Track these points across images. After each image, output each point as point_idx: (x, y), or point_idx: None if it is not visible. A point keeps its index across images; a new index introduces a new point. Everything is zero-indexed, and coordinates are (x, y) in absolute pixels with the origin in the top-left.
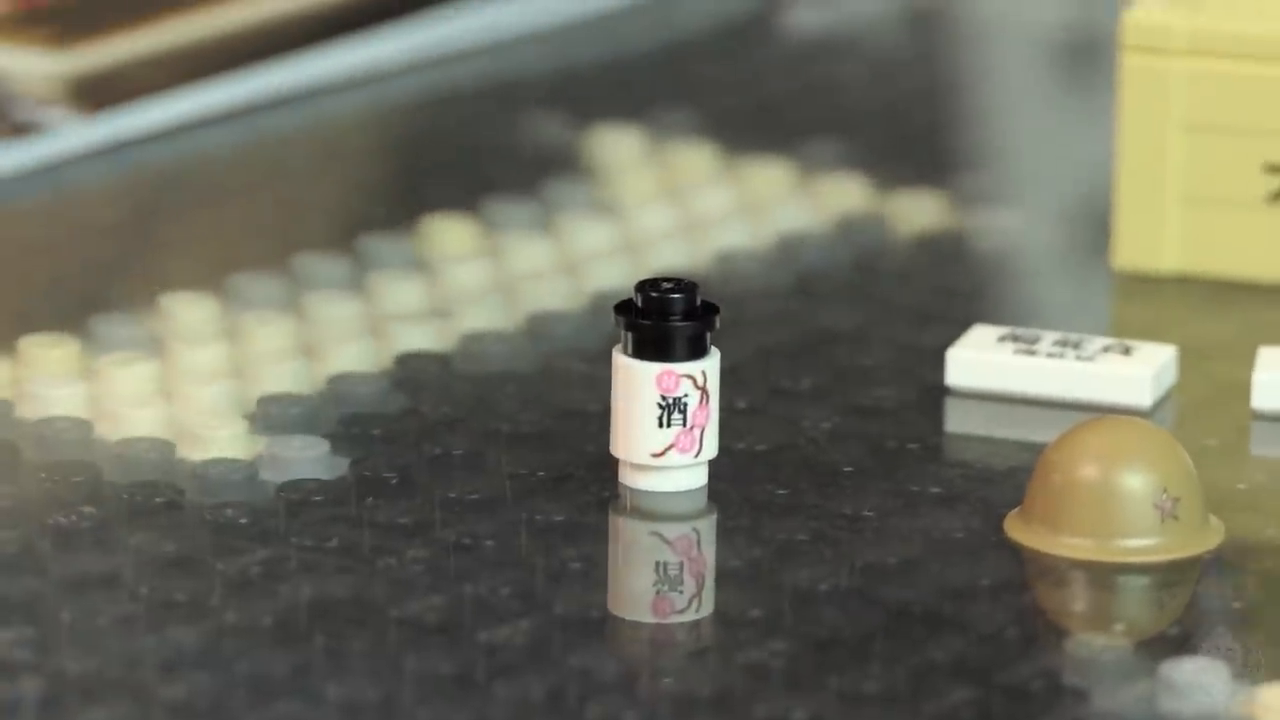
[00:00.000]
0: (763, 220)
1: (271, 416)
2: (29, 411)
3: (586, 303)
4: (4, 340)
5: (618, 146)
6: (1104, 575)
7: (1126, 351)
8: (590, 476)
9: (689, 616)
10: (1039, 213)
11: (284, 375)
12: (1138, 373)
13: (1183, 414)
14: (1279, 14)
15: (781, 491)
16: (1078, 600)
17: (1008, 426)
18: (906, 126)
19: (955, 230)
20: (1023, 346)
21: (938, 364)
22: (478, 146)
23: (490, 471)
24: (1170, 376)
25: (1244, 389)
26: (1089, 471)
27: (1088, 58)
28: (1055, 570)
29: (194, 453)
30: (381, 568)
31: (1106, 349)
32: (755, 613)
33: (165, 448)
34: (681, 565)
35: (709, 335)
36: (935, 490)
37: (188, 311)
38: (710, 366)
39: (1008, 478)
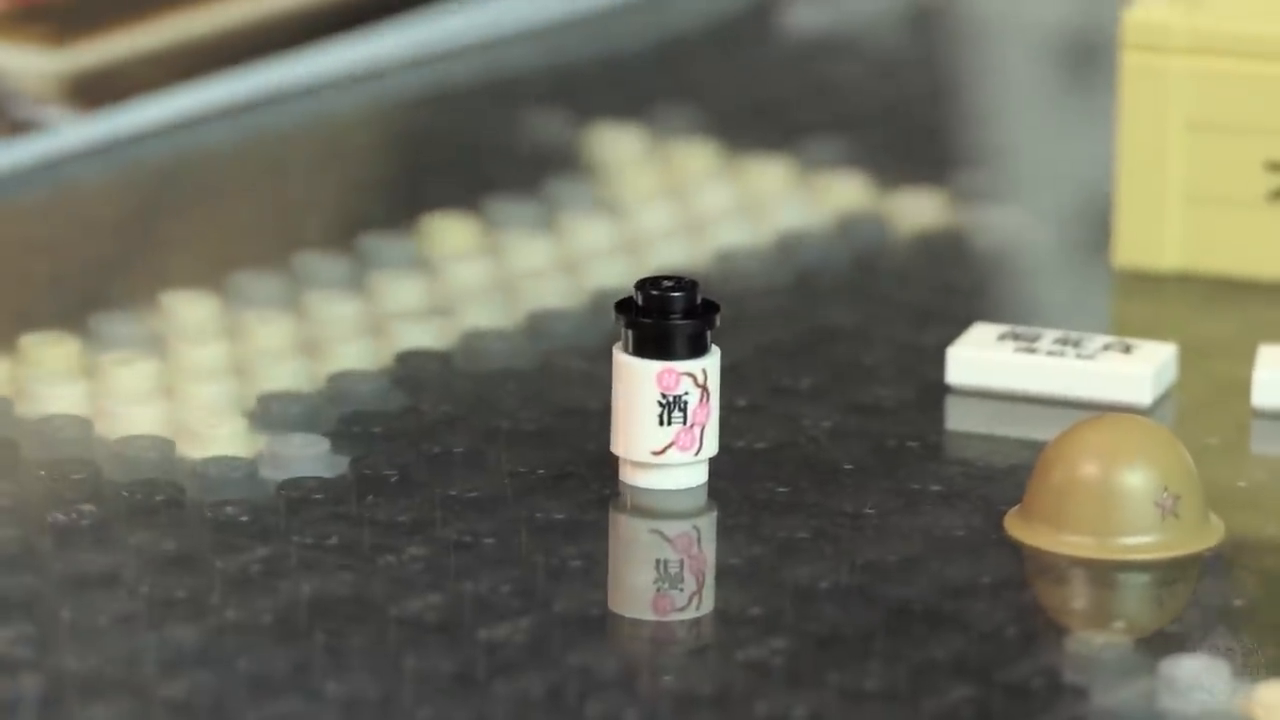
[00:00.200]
0: (763, 218)
1: (272, 414)
2: (29, 409)
3: (587, 301)
4: (4, 338)
5: (618, 145)
6: (1104, 573)
7: (1127, 349)
8: (590, 474)
9: (689, 614)
10: (1039, 211)
11: (284, 373)
12: (1138, 371)
13: (1183, 412)
14: (1279, 12)
15: (782, 489)
16: (1078, 598)
17: (1008, 424)
18: (907, 125)
19: (956, 228)
20: (1023, 345)
21: (938, 362)
22: (478, 144)
23: (490, 469)
24: (1170, 374)
25: (1244, 387)
26: (1089, 469)
27: (1088, 56)
28: (1055, 568)
29: (194, 451)
30: (382, 566)
31: (1107, 347)
32: (756, 610)
33: (165, 446)
34: (682, 563)
35: (709, 333)
36: (936, 488)
37: (188, 309)
38: (710, 365)
39: (1008, 475)
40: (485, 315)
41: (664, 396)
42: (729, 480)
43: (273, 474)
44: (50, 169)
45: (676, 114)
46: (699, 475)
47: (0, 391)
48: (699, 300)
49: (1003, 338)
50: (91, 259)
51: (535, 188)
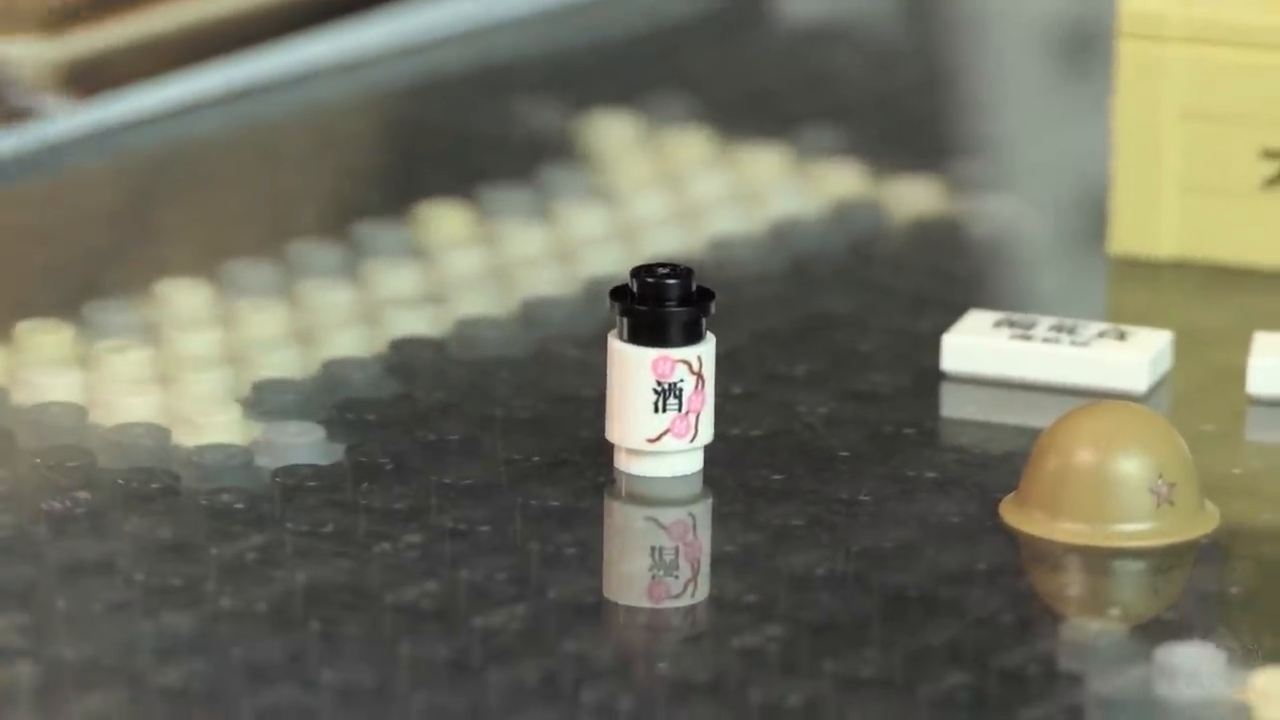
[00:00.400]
0: (758, 206)
1: (266, 402)
2: (24, 398)
3: (581, 289)
4: None
5: (612, 132)
6: (1099, 560)
7: (1122, 337)
8: (585, 462)
9: (684, 601)
10: (1035, 199)
11: (279, 361)
12: (1133, 358)
13: (1178, 399)
14: (1275, 0)
15: (777, 476)
16: (1073, 585)
17: (1004, 411)
18: (902, 112)
19: (951, 216)
20: (1018, 332)
21: (933, 349)
22: (472, 132)
23: (485, 457)
24: (1166, 362)
25: (1240, 374)
26: (1085, 456)
27: (1084, 44)
28: (1051, 555)
29: (189, 438)
30: (377, 553)
31: (1102, 334)
32: (751, 597)
33: (160, 433)
34: (677, 550)
35: (704, 321)
36: (931, 475)
37: (182, 297)
38: (706, 352)
39: (1003, 463)
40: (479, 303)
41: (659, 384)
42: (724, 467)
43: (268, 462)
44: (44, 157)
45: (671, 102)
46: (694, 462)
47: None
48: (694, 287)
49: (998, 325)
50: (86, 247)
51: (529, 175)
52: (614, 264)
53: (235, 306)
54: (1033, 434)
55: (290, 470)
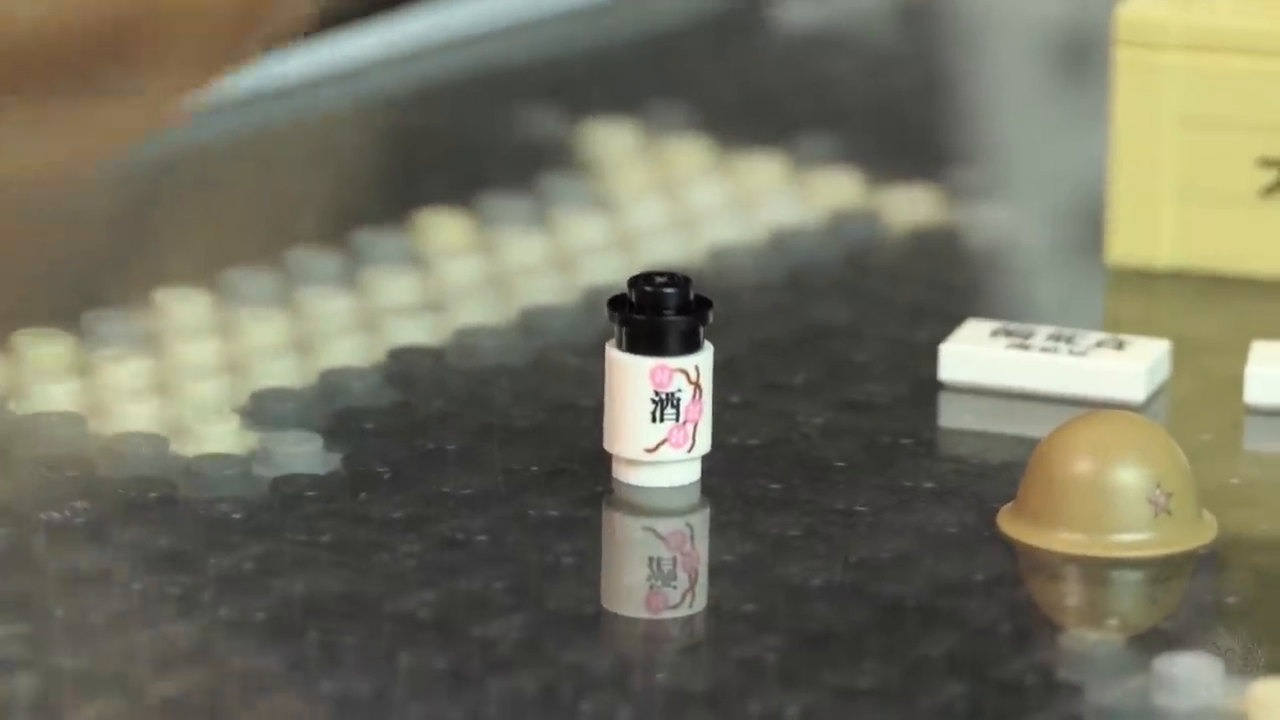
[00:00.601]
0: (756, 215)
1: (265, 411)
2: (22, 406)
3: (580, 297)
4: None
5: (611, 141)
6: (1097, 570)
7: (1120, 346)
8: (584, 471)
9: (682, 611)
10: (1032, 207)
11: (277, 370)
12: (1131, 367)
13: (1176, 409)
14: (1272, 8)
15: (775, 486)
16: (1071, 595)
17: (1001, 421)
18: (900, 121)
19: (949, 225)
20: (1016, 341)
21: (931, 359)
22: (470, 140)
23: (483, 466)
24: (1164, 371)
25: (1237, 384)
26: (1082, 466)
27: (1081, 52)
28: (1048, 565)
29: (187, 448)
30: (375, 563)
31: (1100, 344)
32: (749, 607)
33: (159, 443)
34: (675, 560)
35: (702, 330)
36: (929, 485)
37: (181, 306)
38: (703, 361)
39: (1001, 473)
40: (478, 311)
41: (657, 393)
42: (722, 477)
43: (266, 471)
44: None
45: (669, 110)
46: (692, 472)
47: None
48: (692, 296)
49: (996, 334)
50: (85, 255)
51: (528, 184)
52: (613, 272)
53: (233, 315)
54: (1030, 444)
55: (289, 479)
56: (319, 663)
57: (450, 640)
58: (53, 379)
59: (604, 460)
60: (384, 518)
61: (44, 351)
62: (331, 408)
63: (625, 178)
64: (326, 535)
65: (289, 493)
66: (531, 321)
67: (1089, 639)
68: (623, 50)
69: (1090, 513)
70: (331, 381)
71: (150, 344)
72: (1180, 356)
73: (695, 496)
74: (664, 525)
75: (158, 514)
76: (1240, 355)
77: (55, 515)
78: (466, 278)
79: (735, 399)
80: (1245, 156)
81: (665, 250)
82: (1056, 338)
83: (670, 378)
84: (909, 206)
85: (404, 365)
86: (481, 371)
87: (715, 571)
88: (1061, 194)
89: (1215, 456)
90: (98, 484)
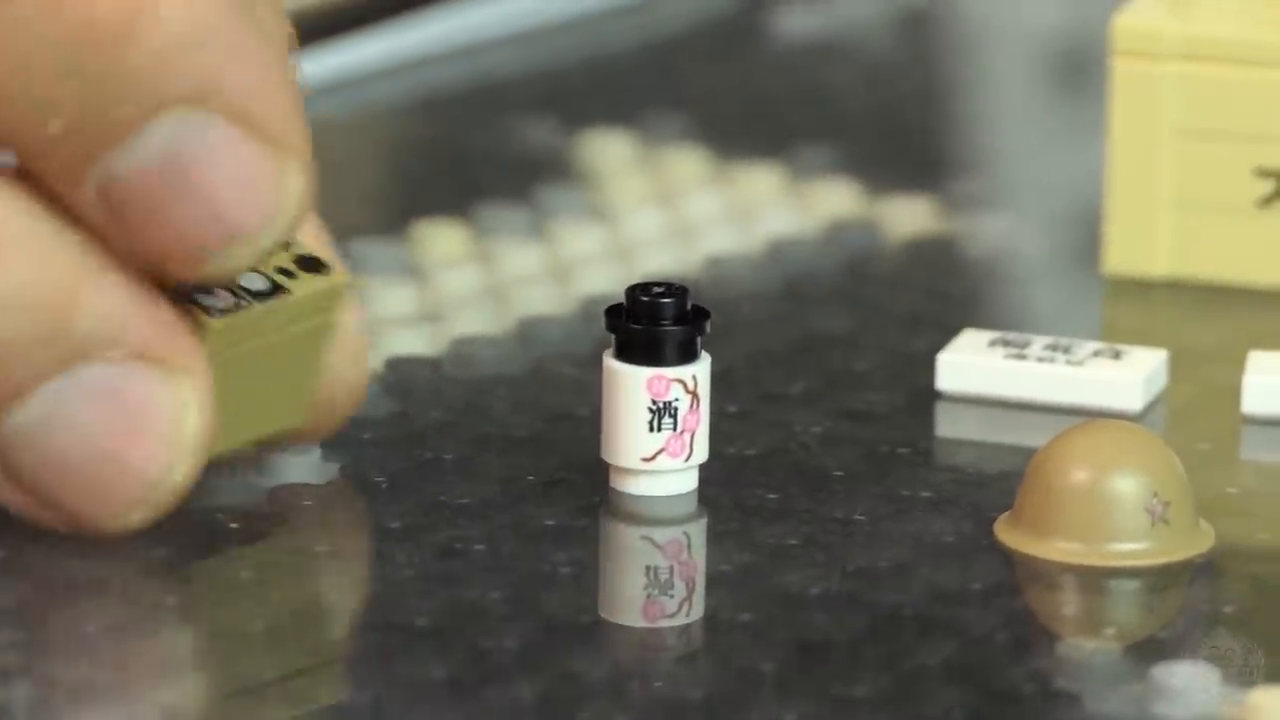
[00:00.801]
0: (753, 225)
1: None
2: None
3: (577, 307)
4: None
5: (608, 151)
6: (1095, 579)
7: (1117, 356)
8: (581, 481)
9: (679, 621)
10: (1030, 217)
11: None
12: (1128, 377)
13: (1173, 418)
14: (1270, 18)
15: (772, 496)
16: (1068, 604)
17: (998, 431)
18: (898, 131)
19: (946, 235)
20: (1013, 351)
21: (928, 369)
22: (467, 150)
23: (481, 476)
24: (1161, 381)
25: (1234, 393)
26: (1080, 476)
27: (1079, 62)
28: (1046, 574)
29: None
30: (372, 572)
31: (1097, 353)
32: (746, 617)
33: None
34: (672, 569)
35: (700, 340)
36: (926, 494)
37: None
38: (701, 371)
39: (998, 482)
40: (475, 321)
41: (654, 403)
42: (719, 487)
43: (263, 480)
44: None
45: (667, 120)
46: (689, 482)
47: None
48: (689, 306)
49: (993, 344)
50: None
51: (525, 194)
52: (610, 282)
53: None
54: (1028, 453)
55: (285, 488)
56: (316, 672)
57: (448, 649)
58: None
59: (601, 470)
60: (381, 527)
61: None
62: None
63: (623, 188)
64: (323, 545)
65: (285, 502)
66: (529, 331)
67: (1086, 648)
68: (620, 60)
69: (1087, 522)
70: None
71: None
72: (1177, 366)
73: (693, 506)
74: (661, 534)
75: (154, 522)
76: (1238, 365)
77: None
78: (464, 288)
79: (733, 408)
80: (1242, 166)
81: (663, 260)
82: (1054, 347)
83: (668, 387)
84: (907, 216)
85: (401, 375)
86: (479, 381)
87: (713, 580)
88: (1059, 204)
89: (1212, 466)
90: None
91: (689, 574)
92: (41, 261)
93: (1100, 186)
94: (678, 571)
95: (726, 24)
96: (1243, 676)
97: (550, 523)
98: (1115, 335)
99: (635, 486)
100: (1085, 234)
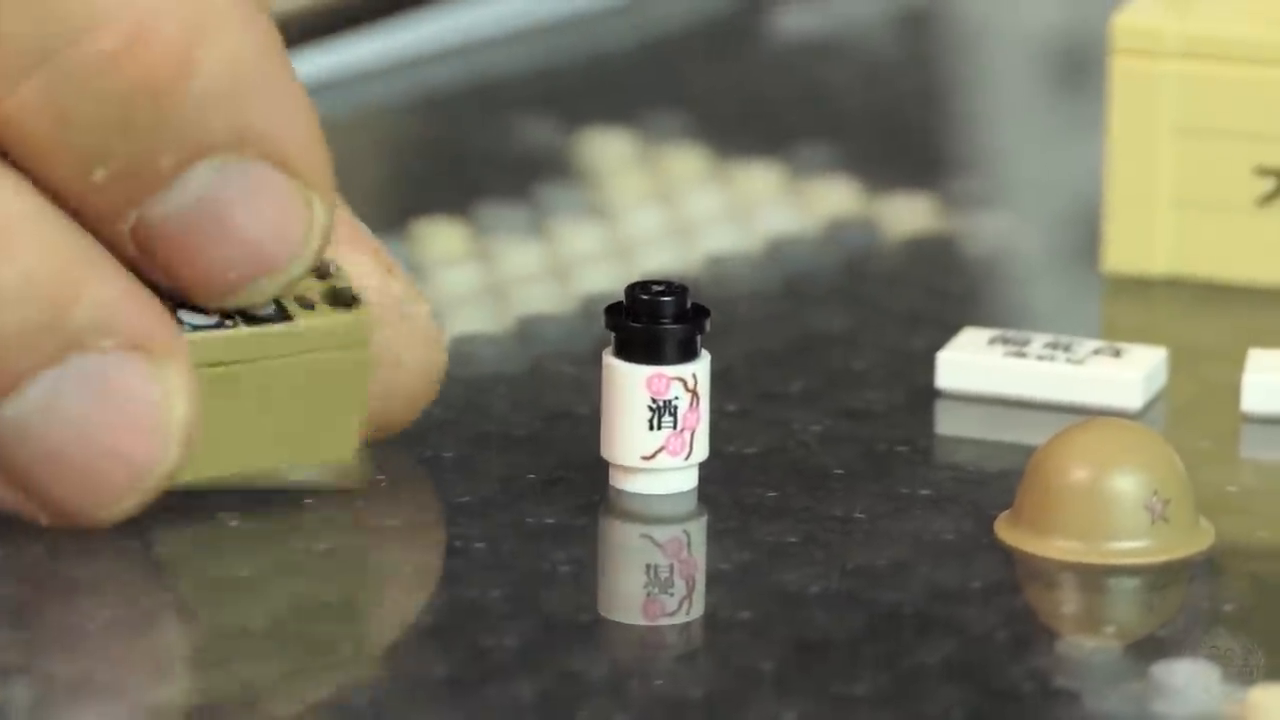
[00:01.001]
0: (753, 223)
1: None
2: None
3: (577, 306)
4: None
5: (607, 149)
6: (1094, 577)
7: (1117, 354)
8: (581, 479)
9: (679, 619)
10: (1029, 216)
11: None
12: (1128, 375)
13: (1173, 416)
14: (1270, 16)
15: (772, 494)
16: (1068, 602)
17: (998, 429)
18: (897, 129)
19: (946, 233)
20: (1013, 349)
21: (928, 367)
22: (467, 149)
23: (480, 474)
24: (1160, 379)
25: (1234, 391)
26: (1079, 474)
27: (1078, 60)
28: (1046, 572)
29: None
30: (371, 570)
31: (1097, 351)
32: (745, 615)
33: None
34: (672, 568)
35: (699, 338)
36: (925, 493)
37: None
38: (701, 369)
39: (998, 480)
40: (475, 320)
41: (654, 401)
42: (719, 485)
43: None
44: None
45: (666, 118)
46: (689, 480)
47: None
48: (689, 305)
49: (993, 342)
50: None
51: (525, 192)
52: (609, 281)
53: None
54: (1027, 451)
55: (285, 487)
56: (315, 671)
57: (448, 648)
58: None
59: (601, 468)
60: (380, 525)
61: None
62: None
63: (622, 186)
64: (322, 543)
65: (286, 500)
66: (528, 330)
67: (1086, 646)
68: (619, 59)
69: (1087, 520)
70: None
71: None
72: (1177, 364)
73: (692, 504)
74: (661, 533)
75: (155, 521)
76: (1237, 363)
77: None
78: (463, 286)
79: (732, 407)
80: (1242, 165)
81: (662, 259)
82: (1053, 345)
83: (667, 386)
84: (906, 215)
85: None
86: (479, 380)
87: (712, 579)
88: (1059, 202)
89: (1212, 464)
90: None
91: (689, 572)
92: (46, 251)
93: (1100, 185)
94: (677, 570)
95: (726, 23)
96: (1243, 675)
97: (550, 521)
98: (1115, 333)
99: (635, 485)
100: (1085, 232)
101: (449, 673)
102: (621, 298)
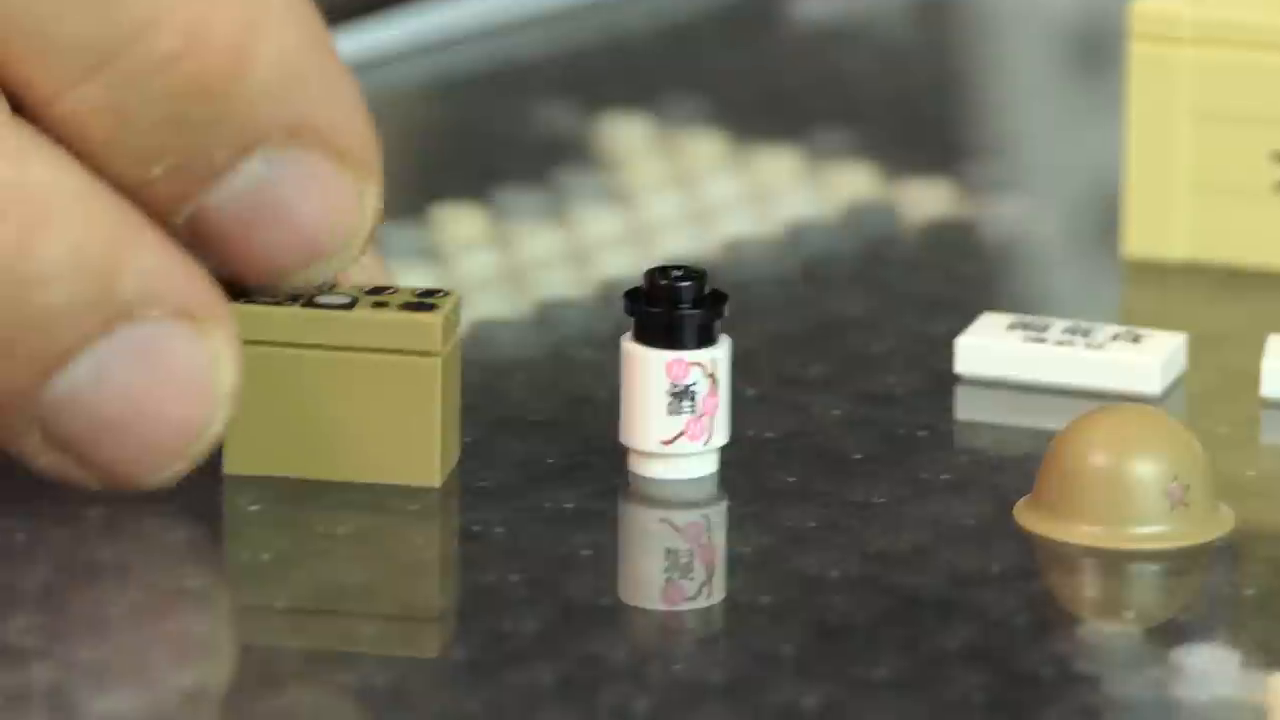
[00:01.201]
0: (772, 208)
1: None
2: None
3: (596, 290)
4: None
5: (627, 134)
6: (1114, 562)
7: (1136, 339)
8: (600, 464)
9: (699, 604)
10: (1048, 201)
11: None
12: (1147, 360)
13: (1193, 402)
14: None
15: (791, 479)
16: (1088, 587)
17: (1018, 414)
18: (916, 114)
19: (965, 218)
20: (1032, 334)
21: (947, 352)
22: (486, 134)
23: (500, 459)
24: (1180, 364)
25: (1254, 377)
26: (1099, 459)
27: (1097, 46)
28: (1066, 557)
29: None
30: (391, 554)
31: (1116, 337)
32: (766, 599)
33: None
34: (692, 552)
35: (718, 323)
36: (946, 477)
37: None
38: (720, 354)
39: (1018, 465)
40: (494, 304)
41: (673, 386)
42: (739, 470)
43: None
44: None
45: (685, 103)
46: (708, 465)
47: None
48: (708, 290)
49: (1012, 327)
50: None
51: (543, 177)
52: (628, 266)
53: None
54: (1047, 436)
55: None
56: (336, 655)
57: (467, 632)
58: None
59: (620, 453)
60: (400, 510)
61: None
62: None
63: (641, 171)
64: (342, 527)
65: (306, 484)
66: (548, 314)
67: (1106, 631)
68: (638, 43)
69: (1107, 505)
70: None
71: None
72: (1196, 349)
73: (712, 489)
74: (681, 517)
75: (174, 505)
76: (1257, 348)
77: (72, 507)
78: (482, 271)
79: (751, 392)
80: (1260, 150)
81: (681, 243)
82: (1073, 331)
83: (687, 370)
84: (925, 199)
85: None
86: (497, 364)
87: (732, 563)
88: (1077, 187)
89: (1232, 449)
90: None
91: (708, 557)
92: (92, 225)
93: (1118, 170)
94: (697, 554)
95: (745, 7)
96: (1265, 659)
97: (569, 506)
98: (1134, 318)
99: (654, 470)
100: (1104, 217)
101: (469, 657)
102: (641, 282)
